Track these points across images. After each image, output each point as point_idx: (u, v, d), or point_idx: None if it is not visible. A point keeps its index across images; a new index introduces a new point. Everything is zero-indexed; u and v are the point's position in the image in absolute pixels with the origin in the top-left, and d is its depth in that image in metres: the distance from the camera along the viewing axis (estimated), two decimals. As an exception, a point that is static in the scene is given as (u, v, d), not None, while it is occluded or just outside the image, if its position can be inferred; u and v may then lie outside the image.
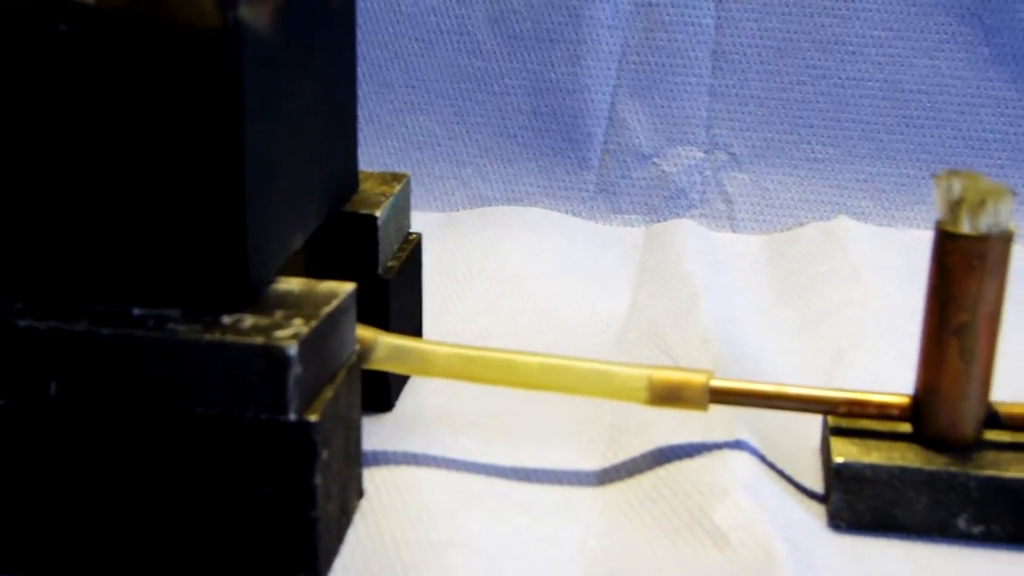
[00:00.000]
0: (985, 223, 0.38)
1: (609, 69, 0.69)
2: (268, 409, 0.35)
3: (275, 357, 0.34)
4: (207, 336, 0.34)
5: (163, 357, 0.35)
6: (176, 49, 0.34)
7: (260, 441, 0.35)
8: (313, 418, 0.35)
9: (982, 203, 0.38)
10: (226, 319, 0.35)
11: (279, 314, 0.36)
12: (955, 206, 0.39)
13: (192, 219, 0.35)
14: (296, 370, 0.34)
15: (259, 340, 0.34)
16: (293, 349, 0.34)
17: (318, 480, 0.35)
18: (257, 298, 0.37)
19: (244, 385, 0.35)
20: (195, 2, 0.34)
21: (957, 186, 0.39)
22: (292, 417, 0.35)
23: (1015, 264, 0.40)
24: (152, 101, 0.35)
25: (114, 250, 0.36)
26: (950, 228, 0.39)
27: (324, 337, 0.36)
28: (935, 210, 0.40)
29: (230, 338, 0.34)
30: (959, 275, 0.39)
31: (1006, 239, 0.39)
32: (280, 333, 0.35)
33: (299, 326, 0.35)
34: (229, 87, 0.34)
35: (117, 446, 0.36)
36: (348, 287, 0.39)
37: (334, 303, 0.37)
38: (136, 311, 0.36)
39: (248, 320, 0.35)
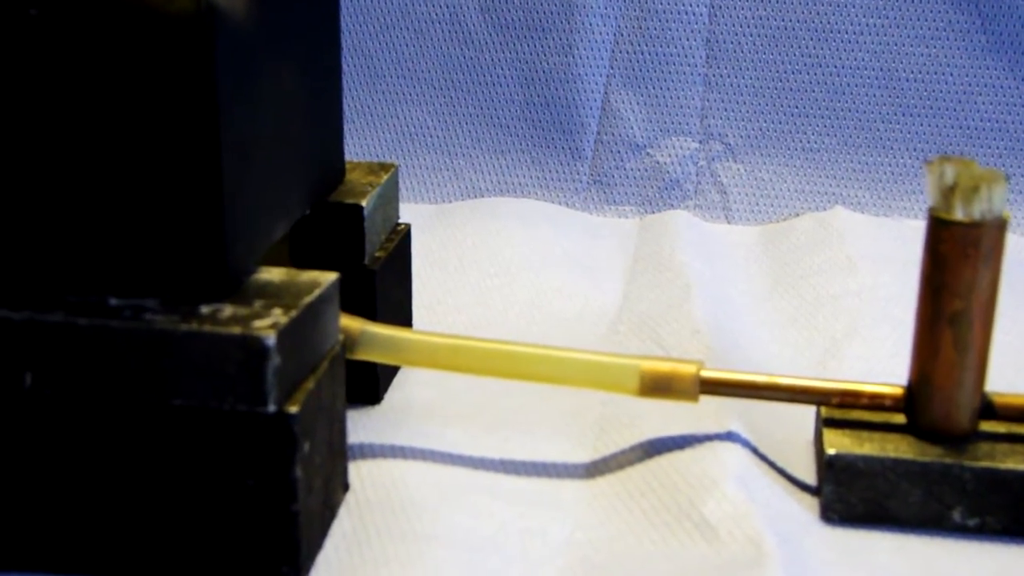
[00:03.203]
0: (979, 209, 0.38)
1: (602, 58, 0.68)
2: (247, 400, 0.34)
3: (253, 347, 0.34)
4: (184, 326, 0.34)
5: (140, 348, 0.34)
6: (149, 33, 0.33)
7: (239, 433, 0.34)
8: (293, 409, 0.34)
9: (975, 189, 0.38)
10: (204, 309, 0.35)
11: (258, 304, 0.35)
12: (948, 192, 0.38)
13: (169, 207, 0.35)
14: (275, 361, 0.34)
15: (237, 330, 0.34)
16: (271, 339, 0.34)
17: (299, 473, 0.35)
18: (237, 288, 0.36)
19: (222, 376, 0.34)
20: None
21: (950, 172, 0.38)
22: (271, 409, 0.34)
23: (1009, 252, 0.40)
24: (126, 86, 0.34)
25: (90, 239, 0.35)
26: (943, 215, 0.38)
27: (305, 327, 0.36)
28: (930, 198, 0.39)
29: (208, 328, 0.34)
30: (952, 263, 0.38)
31: (1000, 226, 0.38)
32: (259, 323, 0.34)
33: (278, 316, 0.35)
34: (203, 72, 0.33)
35: (94, 438, 0.35)
36: (330, 277, 0.38)
37: (315, 293, 0.37)
38: (112, 301, 0.35)
39: (227, 310, 0.35)
